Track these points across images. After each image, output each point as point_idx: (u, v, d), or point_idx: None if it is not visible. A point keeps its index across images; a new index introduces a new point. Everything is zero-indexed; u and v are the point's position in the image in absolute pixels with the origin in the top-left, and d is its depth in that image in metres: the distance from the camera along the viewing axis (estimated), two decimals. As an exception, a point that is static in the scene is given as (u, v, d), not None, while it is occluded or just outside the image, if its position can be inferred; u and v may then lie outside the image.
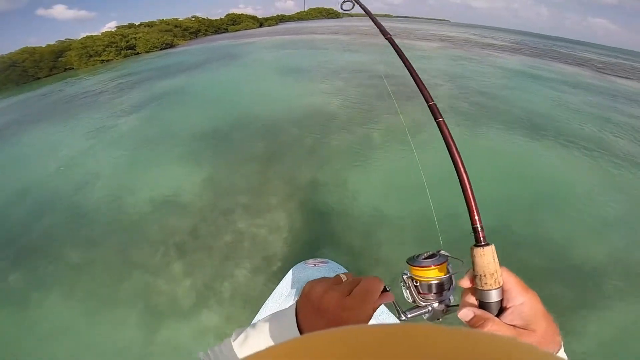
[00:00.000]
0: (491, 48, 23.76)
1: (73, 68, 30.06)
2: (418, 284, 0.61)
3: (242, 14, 58.45)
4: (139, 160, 6.07)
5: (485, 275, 0.51)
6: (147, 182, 5.21)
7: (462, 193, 0.59)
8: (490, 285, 0.50)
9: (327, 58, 15.76)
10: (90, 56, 31.09)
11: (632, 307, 3.11)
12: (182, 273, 3.43)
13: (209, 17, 52.97)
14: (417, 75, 0.80)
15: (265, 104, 8.48)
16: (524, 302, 0.48)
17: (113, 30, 36.76)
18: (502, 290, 0.50)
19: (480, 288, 0.51)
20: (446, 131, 0.67)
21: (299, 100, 8.55)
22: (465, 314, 0.51)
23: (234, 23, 54.24)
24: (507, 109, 8.44)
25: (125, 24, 42.30)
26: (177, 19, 46.12)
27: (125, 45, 32.85)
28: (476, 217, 0.57)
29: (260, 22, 60.78)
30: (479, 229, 0.56)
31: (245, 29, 51.86)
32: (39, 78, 27.54)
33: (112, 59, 31.05)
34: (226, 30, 51.24)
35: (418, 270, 0.60)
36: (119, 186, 5.20)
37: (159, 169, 5.63)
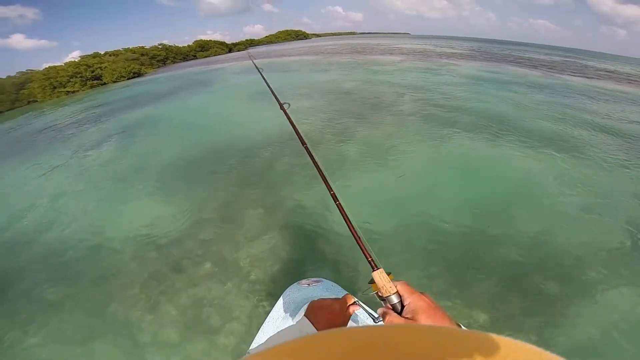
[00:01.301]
0: (448, 57, 25.41)
1: (37, 100, 29.04)
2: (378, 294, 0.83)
3: (210, 40, 59.01)
4: (111, 195, 5.87)
5: (382, 287, 0.77)
6: (121, 217, 5.05)
7: (353, 237, 0.83)
8: (386, 292, 0.76)
9: (297, 78, 16.25)
10: (55, 87, 30.24)
11: (619, 293, 3.20)
12: (167, 306, 3.33)
13: (177, 45, 53.12)
14: (296, 128, 0.99)
15: (238, 130, 8.55)
16: (410, 302, 0.71)
17: (77, 60, 36.10)
18: (400, 295, 0.75)
19: (382, 295, 0.77)
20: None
21: (272, 123, 8.64)
22: (379, 311, 0.76)
23: (202, 49, 54.60)
24: (465, 113, 9.07)
25: (90, 53, 41.56)
26: (143, 47, 45.91)
27: (90, 75, 32.26)
28: (367, 252, 0.85)
29: (229, 48, 61.52)
30: (370, 259, 0.85)
31: (215, 55, 52.35)
32: (0, 112, 26.40)
33: (77, 90, 30.34)
34: (195, 57, 51.44)
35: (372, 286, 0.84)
36: (91, 223, 5.01)
37: (132, 203, 5.47)
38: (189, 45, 54.70)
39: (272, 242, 4.08)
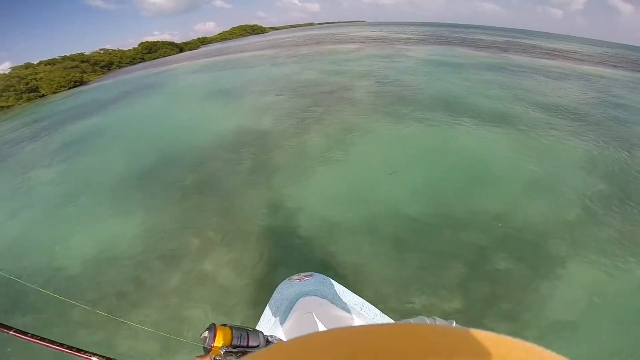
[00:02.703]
0: (401, 42, 25.96)
1: (-32, 119, 25.80)
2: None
3: (157, 41, 55.61)
4: (64, 218, 5.34)
5: None
6: (78, 240, 4.58)
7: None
8: None
9: (256, 74, 15.73)
10: (-15, 103, 27.09)
11: (584, 263, 3.28)
12: (151, 316, 3.15)
13: (121, 48, 49.63)
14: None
15: (193, 133, 8.11)
16: None
17: (7, 72, 32.59)
18: None
19: None
20: None
21: (229, 123, 8.27)
22: None
23: (150, 51, 51.34)
24: (423, 96, 9.25)
25: (21, 64, 37.50)
26: (83, 54, 42.36)
27: (25, 87, 29.21)
28: None
29: (180, 48, 58.46)
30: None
31: (165, 56, 49.54)
32: None
33: (13, 105, 27.37)
34: (143, 60, 48.36)
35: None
36: (47, 250, 4.50)
37: (88, 223, 4.99)
38: (134, 48, 51.23)
39: (248, 244, 3.90)
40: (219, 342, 0.81)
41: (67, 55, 40.81)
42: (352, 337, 0.19)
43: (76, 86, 30.95)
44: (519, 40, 33.74)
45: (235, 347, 0.82)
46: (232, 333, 0.83)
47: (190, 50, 57.11)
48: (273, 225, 4.23)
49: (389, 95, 9.32)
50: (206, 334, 0.82)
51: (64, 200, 5.97)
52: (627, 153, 5.80)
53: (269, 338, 0.92)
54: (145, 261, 3.94)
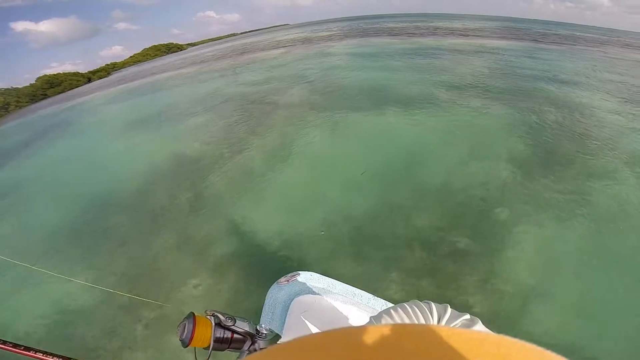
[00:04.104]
0: (325, 40, 26.82)
1: None
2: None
3: (59, 74, 49.59)
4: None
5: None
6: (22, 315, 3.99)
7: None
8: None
9: (174, 97, 14.72)
10: None
11: (527, 226, 3.50)
12: None
13: (16, 86, 43.34)
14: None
15: (123, 172, 7.38)
16: None
17: None
18: None
19: None
20: None
21: (160, 154, 7.62)
22: None
23: (52, 86, 45.53)
24: (348, 93, 9.57)
25: None
26: (-33, 99, 36.10)
27: None
28: None
29: (88, 77, 52.83)
30: None
31: (71, 89, 44.35)
32: None
33: None
34: (46, 96, 42.74)
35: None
36: None
37: (24, 294, 4.30)
38: (32, 85, 45.06)
39: (208, 275, 3.72)
40: (197, 342, 0.74)
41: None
42: (351, 338, 0.19)
43: (-35, 138, 26.16)
44: (423, 24, 37.06)
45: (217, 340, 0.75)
46: (212, 329, 0.77)
47: (101, 78, 51.89)
48: (236, 248, 4.10)
49: (321, 96, 9.52)
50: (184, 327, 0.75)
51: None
52: (536, 114, 6.74)
53: (259, 329, 0.85)
54: (99, 318, 3.61)
